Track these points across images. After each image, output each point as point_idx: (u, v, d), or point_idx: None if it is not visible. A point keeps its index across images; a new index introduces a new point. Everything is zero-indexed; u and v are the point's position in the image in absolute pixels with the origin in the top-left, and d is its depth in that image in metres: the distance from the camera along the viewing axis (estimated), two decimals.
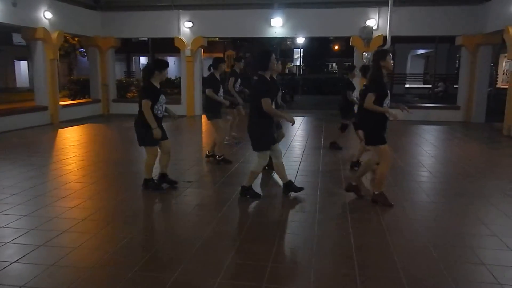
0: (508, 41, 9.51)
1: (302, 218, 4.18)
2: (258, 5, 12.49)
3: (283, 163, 4.85)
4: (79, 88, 17.43)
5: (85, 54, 21.29)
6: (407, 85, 25.52)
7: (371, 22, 11.90)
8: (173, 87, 22.49)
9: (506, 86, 11.68)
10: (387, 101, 4.38)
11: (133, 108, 4.91)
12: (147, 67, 4.91)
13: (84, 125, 11.09)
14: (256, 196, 4.77)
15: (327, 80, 23.96)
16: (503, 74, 24.26)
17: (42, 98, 11.17)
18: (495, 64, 17.42)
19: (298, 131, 10.09)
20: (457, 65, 22.94)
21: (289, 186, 4.87)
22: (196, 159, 6.79)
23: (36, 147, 8.14)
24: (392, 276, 3.00)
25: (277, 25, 12.38)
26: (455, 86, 17.67)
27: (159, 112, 4.79)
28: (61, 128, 10.48)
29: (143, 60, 34.76)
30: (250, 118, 4.58)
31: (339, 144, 7.75)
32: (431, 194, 5.12)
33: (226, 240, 3.62)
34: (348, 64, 8.11)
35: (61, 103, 12.00)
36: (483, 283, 2.91)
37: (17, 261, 3.17)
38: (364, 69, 7.22)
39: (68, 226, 3.86)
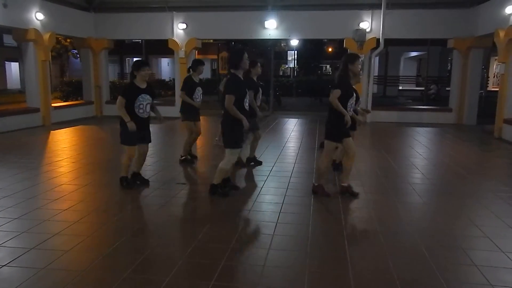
0: (498, 44, 9.62)
1: (296, 220, 4.19)
2: (252, 7, 12.52)
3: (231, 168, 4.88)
4: (71, 89, 17.33)
5: (78, 55, 21.18)
6: (400, 87, 25.73)
7: (364, 25, 11.99)
8: (167, 89, 22.48)
9: (497, 89, 11.82)
10: (351, 101, 4.72)
11: None
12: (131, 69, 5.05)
13: (77, 127, 11.01)
14: (223, 195, 4.80)
15: (321, 82, 24.07)
16: (494, 76, 24.56)
17: (33, 100, 11.06)
18: (486, 66, 17.58)
19: (292, 133, 10.11)
20: (449, 68, 23.15)
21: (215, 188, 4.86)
22: (190, 162, 6.75)
23: (28, 149, 8.06)
24: (385, 277, 3.01)
25: (271, 27, 12.41)
26: (447, 88, 17.83)
27: (141, 111, 4.90)
28: (53, 130, 10.40)
29: None
30: (223, 115, 4.64)
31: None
32: (424, 195, 5.15)
33: (220, 243, 3.60)
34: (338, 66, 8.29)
35: (53, 104, 11.90)
36: (474, 284, 2.94)
37: (7, 265, 3.13)
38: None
39: (59, 229, 3.83)
